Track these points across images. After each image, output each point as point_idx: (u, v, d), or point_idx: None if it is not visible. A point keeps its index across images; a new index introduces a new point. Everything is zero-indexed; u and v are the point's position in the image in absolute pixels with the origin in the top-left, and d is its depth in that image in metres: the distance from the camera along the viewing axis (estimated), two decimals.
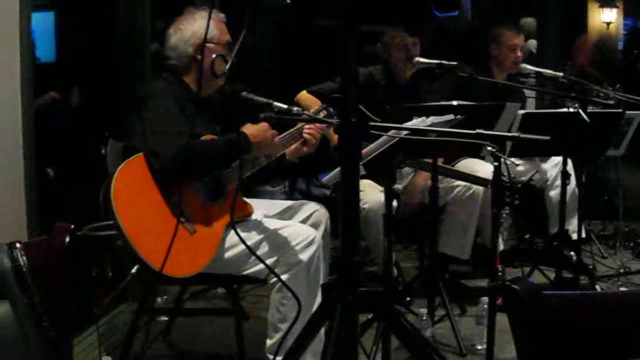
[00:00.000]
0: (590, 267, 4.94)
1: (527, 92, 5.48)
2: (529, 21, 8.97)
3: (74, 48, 5.21)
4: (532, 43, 8.71)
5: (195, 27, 3.32)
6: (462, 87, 4.63)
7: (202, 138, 3.19)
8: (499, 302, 3.18)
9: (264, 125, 3.23)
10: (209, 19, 2.96)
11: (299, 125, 3.44)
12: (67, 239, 1.86)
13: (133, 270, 2.97)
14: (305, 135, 3.44)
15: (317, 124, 3.44)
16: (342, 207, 2.11)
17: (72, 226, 1.89)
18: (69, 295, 1.88)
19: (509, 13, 9.02)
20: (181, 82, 3.33)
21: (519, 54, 5.04)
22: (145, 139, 3.10)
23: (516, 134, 2.78)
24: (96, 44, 5.09)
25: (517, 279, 1.70)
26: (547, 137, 2.61)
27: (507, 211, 4.72)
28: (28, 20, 3.40)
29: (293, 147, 3.45)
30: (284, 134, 3.39)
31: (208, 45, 3.25)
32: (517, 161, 3.99)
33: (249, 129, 3.21)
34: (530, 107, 5.89)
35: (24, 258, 1.84)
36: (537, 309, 1.55)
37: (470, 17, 9.37)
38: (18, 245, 1.88)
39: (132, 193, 3.02)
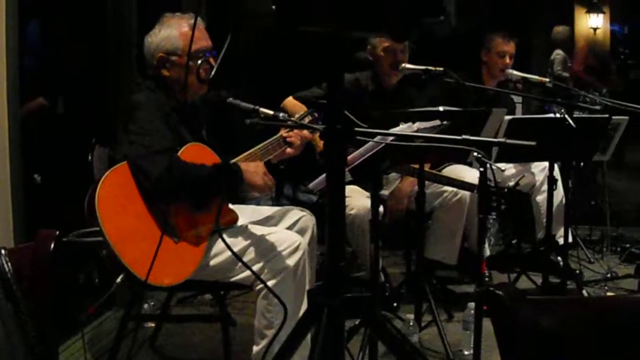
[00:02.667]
0: (577, 272, 4.93)
1: (515, 98, 5.50)
2: (560, 30, 8.77)
3: (61, 54, 5.19)
4: (558, 53, 8.56)
5: (158, 39, 3.28)
6: (452, 93, 4.63)
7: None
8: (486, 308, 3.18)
9: (261, 168, 3.25)
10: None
11: (280, 133, 3.44)
12: (52, 245, 1.86)
13: (118, 280, 2.97)
14: (288, 140, 3.43)
15: (298, 130, 3.44)
16: (328, 213, 2.11)
17: (57, 232, 1.89)
18: (55, 302, 1.87)
19: (496, 19, 8.97)
20: (163, 90, 3.28)
21: (508, 61, 5.03)
22: (131, 154, 3.06)
23: (502, 140, 2.79)
24: (83, 50, 5.09)
25: (502, 284, 1.69)
26: (533, 143, 2.63)
27: (494, 216, 4.73)
28: (14, 27, 3.40)
29: (274, 154, 3.45)
30: (265, 142, 3.38)
31: (171, 58, 3.26)
32: (504, 166, 3.99)
33: (246, 165, 3.23)
34: (517, 113, 5.90)
35: (9, 264, 1.84)
36: (521, 314, 1.56)
37: (454, 23, 9.26)
38: (2, 251, 1.87)
39: (117, 201, 3.00)
